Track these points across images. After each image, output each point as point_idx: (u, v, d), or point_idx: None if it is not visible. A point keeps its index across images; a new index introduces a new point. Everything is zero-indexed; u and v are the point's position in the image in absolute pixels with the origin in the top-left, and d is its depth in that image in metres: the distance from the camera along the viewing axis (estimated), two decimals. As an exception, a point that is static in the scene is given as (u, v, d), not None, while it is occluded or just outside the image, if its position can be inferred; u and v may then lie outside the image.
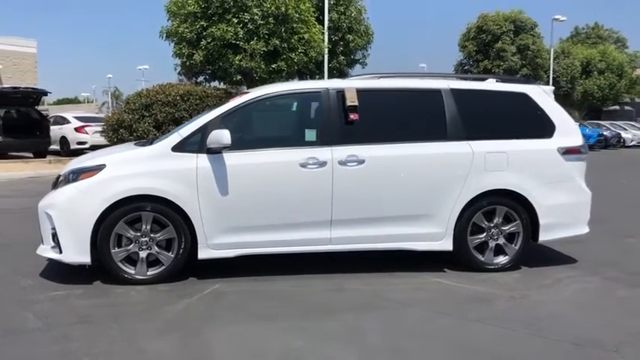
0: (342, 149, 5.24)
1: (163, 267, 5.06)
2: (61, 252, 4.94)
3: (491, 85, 5.88)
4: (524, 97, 5.75)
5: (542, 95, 5.82)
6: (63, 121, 21.10)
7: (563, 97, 39.49)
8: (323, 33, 21.79)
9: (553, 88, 6.10)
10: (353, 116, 5.29)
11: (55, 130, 20.10)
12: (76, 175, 5.06)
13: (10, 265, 5.56)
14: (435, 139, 5.48)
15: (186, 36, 19.22)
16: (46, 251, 5.06)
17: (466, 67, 38.76)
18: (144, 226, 4.99)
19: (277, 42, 19.26)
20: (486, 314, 4.40)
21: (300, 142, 5.33)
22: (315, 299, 4.77)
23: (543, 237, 5.65)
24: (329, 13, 22.65)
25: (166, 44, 20.07)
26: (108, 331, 4.00)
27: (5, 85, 22.89)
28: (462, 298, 4.81)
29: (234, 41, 18.79)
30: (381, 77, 5.79)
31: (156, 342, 3.83)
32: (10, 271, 5.40)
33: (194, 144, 5.08)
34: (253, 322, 4.21)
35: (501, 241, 5.59)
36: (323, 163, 5.17)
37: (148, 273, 5.04)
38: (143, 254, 5.02)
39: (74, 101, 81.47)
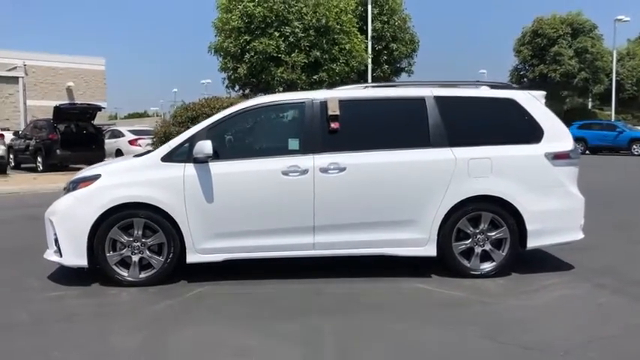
0: (323, 157, 5.41)
1: (154, 270, 5.38)
2: (61, 256, 5.35)
3: (477, 91, 5.90)
4: (512, 103, 5.75)
5: (530, 101, 5.79)
6: (118, 134, 22.23)
7: (628, 101, 37.91)
8: (365, 43, 21.98)
9: (544, 93, 6.03)
10: (334, 125, 5.46)
11: (111, 144, 21.21)
12: (75, 184, 5.48)
13: (25, 267, 6.03)
14: (418, 146, 5.56)
15: (230, 50, 19.89)
16: (50, 255, 5.49)
17: (522, 73, 37.93)
18: (136, 232, 5.33)
19: (318, 53, 19.64)
20: (450, 318, 4.45)
21: (283, 151, 5.54)
22: (292, 302, 4.95)
23: (532, 243, 5.60)
24: (372, 22, 22.85)
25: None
26: (86, 328, 4.34)
27: (64, 102, 24.27)
28: (434, 303, 4.87)
29: (275, 54, 19.30)
30: (366, 87, 5.94)
31: (124, 338, 4.14)
32: (23, 272, 5.87)
33: (182, 154, 5.39)
34: (221, 323, 4.45)
35: (488, 247, 5.59)
36: (305, 171, 5.37)
37: (140, 276, 5.37)
38: (135, 258, 5.35)
39: (143, 115, 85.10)
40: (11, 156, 20.73)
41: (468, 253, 5.61)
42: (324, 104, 5.54)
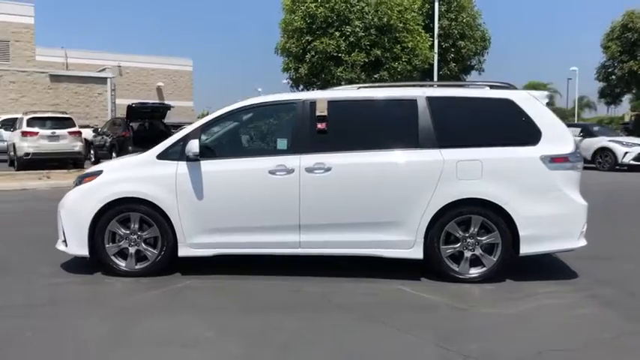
0: (310, 157, 5.48)
1: (149, 262, 5.68)
2: (67, 245, 5.76)
3: (472, 92, 5.75)
4: (508, 103, 5.55)
5: (529, 101, 5.57)
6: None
7: None
8: (430, 41, 21.63)
9: (547, 93, 5.78)
10: (321, 125, 5.52)
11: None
12: (81, 179, 5.88)
13: (45, 255, 6.45)
14: (406, 147, 5.51)
15: (292, 51, 20.23)
16: (59, 245, 5.92)
17: (609, 70, 35.75)
18: (133, 225, 5.65)
19: (379, 52, 19.56)
20: (411, 323, 4.38)
21: (273, 150, 5.68)
22: (267, 298, 5.07)
23: (525, 250, 5.40)
24: (439, 20, 22.44)
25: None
26: (66, 312, 4.68)
27: (136, 100, 25.48)
28: (405, 306, 4.82)
29: (336, 54, 19.42)
30: (360, 88, 5.94)
31: (92, 324, 4.42)
32: (40, 259, 6.31)
33: (176, 152, 5.65)
34: (189, 314, 4.64)
35: (478, 251, 5.45)
36: (291, 170, 5.46)
37: (136, 267, 5.68)
38: (132, 250, 5.67)
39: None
40: (92, 152, 22.19)
41: (458, 257, 5.49)
42: (313, 105, 5.61)
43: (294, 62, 20.50)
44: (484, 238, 5.43)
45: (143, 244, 5.68)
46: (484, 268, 5.46)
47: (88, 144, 22.08)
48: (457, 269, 5.46)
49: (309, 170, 5.45)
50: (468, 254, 5.46)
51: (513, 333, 4.21)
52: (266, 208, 5.54)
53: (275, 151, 5.67)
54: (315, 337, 4.15)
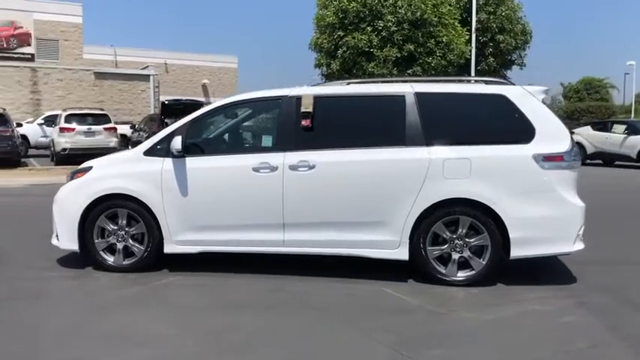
0: (294, 155, 5.38)
1: (136, 258, 5.70)
2: (58, 240, 5.86)
3: (463, 87, 5.52)
4: (502, 99, 5.30)
5: (524, 97, 5.30)
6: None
7: None
8: (466, 35, 21.11)
9: (544, 88, 5.49)
10: (305, 122, 5.41)
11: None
12: (73, 174, 5.96)
13: (45, 249, 6.55)
14: (392, 144, 5.33)
15: (324, 46, 20.13)
16: (53, 239, 6.03)
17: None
18: (120, 221, 5.69)
19: (412, 47, 19.23)
20: (378, 326, 4.25)
21: (258, 147, 5.61)
22: (243, 297, 5.01)
23: (516, 253, 5.15)
24: (477, 13, 21.86)
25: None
26: (45, 305, 4.75)
27: (170, 98, 25.90)
28: (381, 309, 4.67)
29: (367, 49, 19.21)
30: (349, 83, 5.79)
31: (64, 318, 4.46)
32: (41, 252, 6.40)
33: (162, 149, 5.64)
34: (159, 311, 4.64)
35: (467, 253, 5.23)
36: (274, 168, 5.38)
37: (124, 262, 5.72)
38: (120, 246, 5.71)
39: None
40: (129, 147, 22.70)
41: (447, 259, 5.29)
42: (299, 100, 5.50)
43: (326, 58, 20.39)
44: (473, 240, 5.22)
45: (130, 240, 5.71)
46: (473, 271, 5.24)
47: (126, 140, 22.65)
48: (444, 271, 5.27)
49: (293, 168, 5.36)
50: (455, 256, 5.25)
51: (483, 340, 4.02)
52: (250, 206, 5.48)
53: (260, 148, 5.61)
54: (275, 337, 4.07)
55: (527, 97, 5.31)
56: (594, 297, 4.96)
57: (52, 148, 19.57)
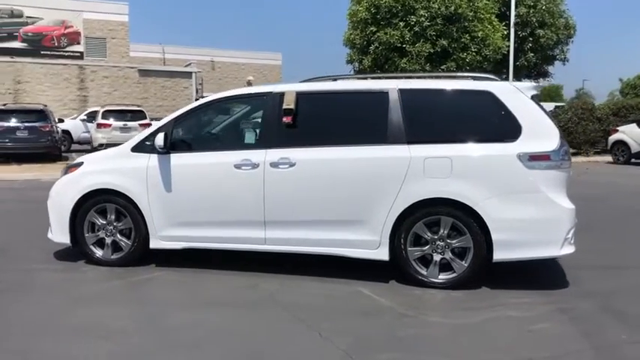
0: (275, 152, 5.34)
1: (124, 252, 5.79)
2: (52, 233, 6.01)
3: (449, 84, 5.34)
4: (488, 96, 5.10)
5: (512, 93, 5.08)
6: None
7: None
8: (504, 30, 20.52)
9: (534, 84, 5.24)
10: (286, 119, 5.35)
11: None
12: (66, 169, 6.10)
13: (45, 242, 6.64)
14: (373, 142, 5.21)
15: (356, 42, 19.98)
16: (49, 232, 6.18)
17: None
18: (109, 216, 5.79)
19: (445, 42, 18.86)
20: (340, 328, 4.16)
21: (241, 144, 5.58)
22: (218, 294, 5.00)
23: (499, 256, 4.95)
24: (516, 7, 21.19)
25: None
26: (23, 298, 4.87)
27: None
28: (349, 310, 4.57)
29: (399, 44, 18.95)
30: (336, 79, 5.69)
31: (33, 309, 4.55)
32: (39, 245, 6.49)
33: (149, 145, 5.69)
34: (128, 306, 4.68)
35: (448, 255, 5.06)
36: (255, 165, 5.35)
37: (112, 257, 5.81)
38: (109, 240, 5.81)
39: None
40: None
41: (429, 260, 5.14)
42: (282, 97, 5.45)
43: (358, 54, 20.23)
44: (454, 242, 5.05)
45: (119, 235, 5.79)
46: (454, 274, 5.07)
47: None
48: (425, 273, 5.12)
49: (274, 165, 5.31)
50: (437, 258, 5.09)
51: (441, 345, 3.88)
52: (232, 203, 5.47)
53: (243, 145, 5.58)
54: (232, 335, 4.04)
55: (515, 93, 5.09)
56: (580, 303, 4.71)
57: (92, 144, 20.18)
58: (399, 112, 5.17)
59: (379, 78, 5.76)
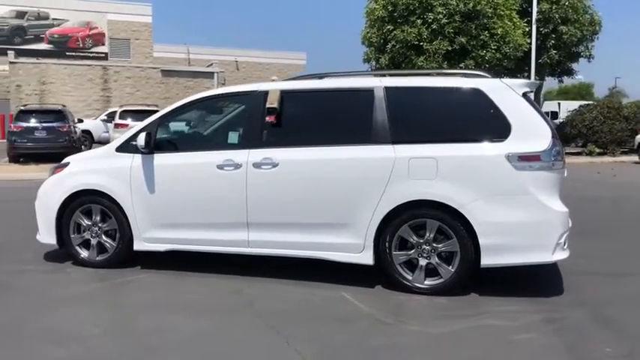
0: (258, 152, 5.19)
1: (109, 254, 5.71)
2: (39, 234, 5.97)
3: (437, 81, 5.12)
4: (476, 94, 4.87)
5: (501, 91, 4.85)
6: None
7: None
8: (525, 27, 20.03)
9: (527, 81, 5.00)
10: (269, 118, 5.20)
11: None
12: (53, 170, 6.05)
13: (33, 241, 6.31)
14: (358, 142, 5.03)
15: (373, 41, 19.75)
16: (37, 234, 6.14)
17: None
18: (94, 217, 5.72)
19: (463, 40, 18.50)
20: (309, 335, 4.02)
21: (224, 144, 5.46)
22: (196, 298, 4.87)
23: (487, 261, 4.73)
24: (538, 4, 20.67)
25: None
26: (1, 297, 4.82)
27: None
28: (325, 316, 4.40)
29: (417, 42, 18.67)
30: (323, 77, 5.52)
31: (7, 308, 4.52)
32: (32, 246, 6.44)
33: (133, 145, 5.60)
34: (98, 310, 4.61)
35: (434, 260, 4.86)
36: (238, 166, 5.21)
37: (97, 258, 5.73)
38: (94, 241, 5.74)
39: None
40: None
41: (415, 265, 4.94)
42: (266, 96, 5.30)
43: (375, 52, 19.98)
44: (441, 246, 4.84)
45: (104, 236, 5.72)
46: (441, 279, 4.86)
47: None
48: (410, 278, 4.92)
49: (257, 166, 5.17)
50: (422, 262, 4.89)
51: (417, 355, 3.71)
52: (215, 204, 5.35)
53: (226, 145, 5.44)
54: (195, 342, 3.90)
55: (505, 91, 4.85)
56: (571, 312, 4.46)
57: (110, 143, 20.35)
58: (384, 110, 4.98)
59: (365, 75, 5.57)
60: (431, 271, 4.90)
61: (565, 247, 4.77)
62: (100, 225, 5.71)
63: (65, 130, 18.06)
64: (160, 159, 5.47)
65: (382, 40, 19.52)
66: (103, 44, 37.10)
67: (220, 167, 5.26)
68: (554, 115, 33.25)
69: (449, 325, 4.22)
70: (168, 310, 4.56)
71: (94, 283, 5.29)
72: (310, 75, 5.67)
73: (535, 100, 22.68)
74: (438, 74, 5.45)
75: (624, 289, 5.14)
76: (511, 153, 4.65)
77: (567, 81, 29.46)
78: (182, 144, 5.73)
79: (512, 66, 20.20)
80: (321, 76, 5.54)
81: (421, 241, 4.86)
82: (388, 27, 19.18)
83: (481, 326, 4.20)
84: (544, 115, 5.01)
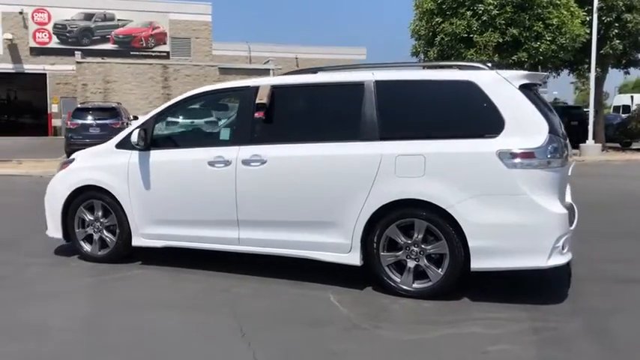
0: (248, 149, 5.11)
1: (109, 249, 5.79)
2: (48, 228, 6.13)
3: (429, 74, 4.86)
4: (469, 87, 4.58)
5: (496, 84, 4.53)
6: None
7: None
8: (586, 15, 18.99)
9: (525, 73, 4.65)
10: (258, 114, 5.10)
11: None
12: (61, 165, 6.19)
13: (44, 235, 6.41)
14: (346, 138, 4.85)
15: (422, 33, 19.33)
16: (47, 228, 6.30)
17: None
18: (96, 212, 5.81)
19: (515, 32, 17.77)
20: (274, 339, 3.89)
21: (216, 140, 5.41)
22: (186, 295, 4.85)
23: (477, 264, 4.45)
24: (600, -9, 19.50)
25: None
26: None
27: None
28: (300, 319, 4.26)
29: (466, 35, 18.10)
30: (317, 71, 5.36)
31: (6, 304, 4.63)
32: (45, 238, 6.49)
33: (131, 142, 5.64)
34: (79, 305, 4.65)
35: (423, 262, 4.62)
36: (228, 162, 5.15)
37: (99, 253, 5.83)
38: (96, 236, 5.84)
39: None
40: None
41: (404, 266, 4.72)
42: (257, 91, 5.21)
43: (424, 46, 19.50)
44: (430, 247, 4.59)
45: (105, 232, 5.80)
46: (429, 283, 4.62)
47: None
48: (399, 281, 4.70)
49: (246, 163, 5.09)
50: (411, 264, 4.66)
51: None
52: (206, 201, 5.31)
53: (218, 142, 5.39)
54: (156, 342, 3.86)
55: (500, 84, 4.53)
56: (565, 322, 4.12)
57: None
58: (373, 105, 4.77)
59: (360, 69, 5.36)
60: (420, 274, 4.67)
61: (565, 251, 4.41)
62: (101, 220, 5.79)
63: (118, 126, 18.64)
64: (156, 155, 5.48)
65: (431, 33, 19.03)
66: (165, 43, 38.18)
67: (211, 164, 5.21)
68: (627, 108, 31.51)
69: (426, 331, 3.99)
70: (147, 308, 4.54)
71: (88, 278, 5.36)
72: (306, 70, 5.52)
73: (597, 92, 21.49)
74: (431, 67, 5.16)
75: (633, 298, 4.71)
76: (503, 150, 4.35)
77: (634, 72, 27.72)
78: (177, 140, 5.75)
79: (569, 58, 19.23)
80: (315, 71, 5.38)
81: (409, 242, 4.64)
82: (437, 19, 18.67)
83: (459, 334, 3.94)
84: (545, 110, 4.66)
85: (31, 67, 35.48)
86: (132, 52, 36.87)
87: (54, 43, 35.88)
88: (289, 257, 5.17)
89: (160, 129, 5.61)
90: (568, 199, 5.54)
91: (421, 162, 4.53)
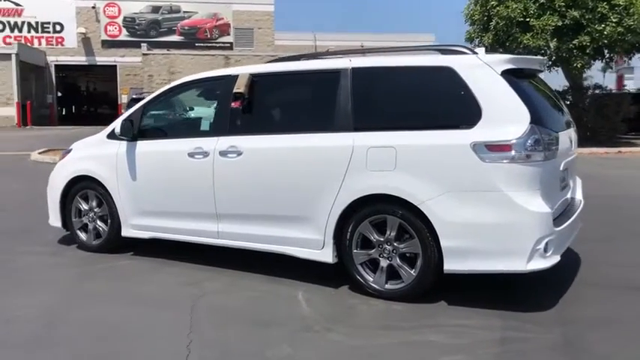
0: (226, 140, 4.96)
1: (102, 239, 5.83)
2: (50, 217, 6.25)
3: (407, 60, 4.50)
4: (447, 73, 4.20)
5: (476, 69, 4.14)
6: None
7: None
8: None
9: (513, 57, 4.22)
10: (235, 104, 4.94)
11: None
12: (62, 155, 6.28)
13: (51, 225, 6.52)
14: (321, 129, 4.60)
15: (476, 18, 18.53)
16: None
17: None
18: (90, 202, 5.86)
19: (576, 14, 16.65)
20: (222, 339, 3.74)
21: (196, 131, 5.30)
22: (158, 289, 4.74)
23: (450, 266, 4.10)
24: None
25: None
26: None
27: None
28: (260, 318, 4.06)
29: (521, 19, 17.15)
30: (301, 58, 5.12)
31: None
32: (53, 229, 6.53)
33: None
34: (53, 295, 4.63)
35: (395, 261, 4.32)
36: (206, 154, 5.03)
37: (93, 242, 5.87)
38: (91, 226, 5.89)
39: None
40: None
41: (377, 265, 4.44)
42: (236, 80, 5.04)
43: (478, 31, 18.66)
44: (402, 246, 4.29)
45: (98, 221, 5.84)
46: (402, 283, 4.32)
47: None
48: (371, 280, 4.43)
49: (223, 154, 4.95)
50: (384, 263, 4.37)
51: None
52: (187, 192, 5.22)
53: (198, 133, 5.29)
54: (104, 337, 3.78)
55: (481, 69, 4.13)
56: (543, 333, 3.72)
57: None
58: (348, 94, 4.50)
59: (338, 55, 5.07)
60: (395, 274, 4.37)
61: (549, 254, 3.98)
62: (95, 210, 5.83)
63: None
64: (142, 146, 5.44)
65: (485, 17, 18.17)
66: (229, 34, 38.74)
67: (191, 155, 5.11)
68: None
69: (380, 337, 3.71)
70: (114, 301, 4.48)
71: (75, 268, 5.40)
72: (289, 57, 5.29)
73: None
74: (411, 50, 4.77)
75: (629, 307, 4.21)
76: (477, 142, 3.97)
77: None
78: (160, 131, 5.67)
79: (637, 41, 17.82)
80: (298, 58, 5.15)
81: (382, 239, 4.35)
82: (492, 2, 17.78)
83: (415, 342, 3.63)
84: (536, 98, 4.23)
85: (102, 59, 36.97)
86: (197, 44, 37.66)
87: (123, 35, 37.20)
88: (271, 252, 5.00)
89: (147, 120, 5.54)
90: (578, 195, 5.08)
91: (392, 155, 4.22)
